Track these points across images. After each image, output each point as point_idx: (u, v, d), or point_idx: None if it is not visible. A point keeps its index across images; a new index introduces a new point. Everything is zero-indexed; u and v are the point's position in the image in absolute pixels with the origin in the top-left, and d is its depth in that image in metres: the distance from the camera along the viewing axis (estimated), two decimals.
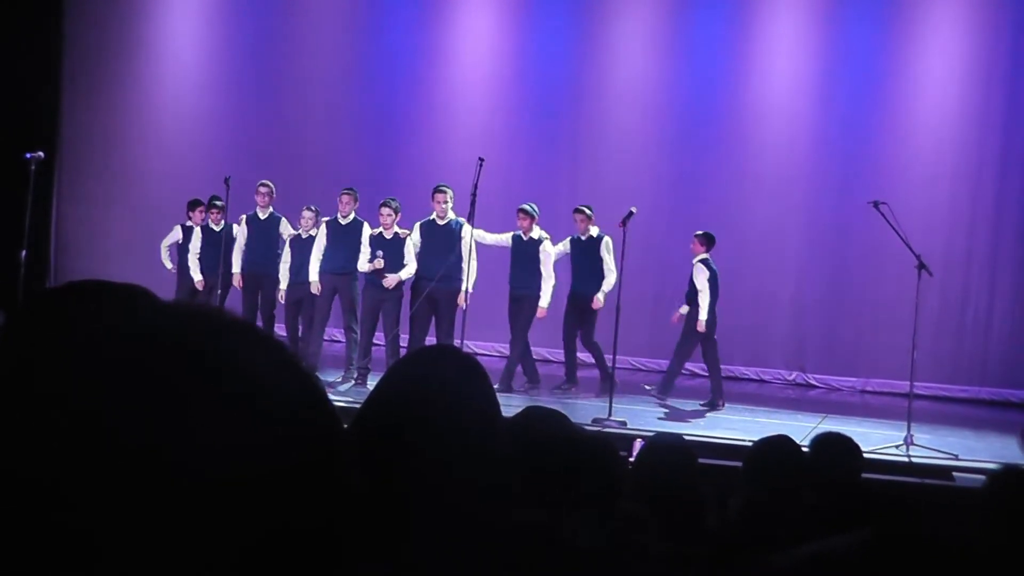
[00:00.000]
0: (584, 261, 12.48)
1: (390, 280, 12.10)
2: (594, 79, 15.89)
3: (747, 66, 15.59)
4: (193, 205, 13.74)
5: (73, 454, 0.76)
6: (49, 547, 0.75)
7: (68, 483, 0.76)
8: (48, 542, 0.75)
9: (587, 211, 12.54)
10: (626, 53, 15.86)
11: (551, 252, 12.40)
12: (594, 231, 12.57)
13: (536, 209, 12.45)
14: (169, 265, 13.86)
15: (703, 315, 12.06)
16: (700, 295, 12.14)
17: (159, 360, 0.81)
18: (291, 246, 12.73)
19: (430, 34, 16.25)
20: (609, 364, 11.54)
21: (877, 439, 10.01)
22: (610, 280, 12.37)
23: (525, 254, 12.40)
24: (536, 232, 12.42)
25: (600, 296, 12.40)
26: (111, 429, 0.77)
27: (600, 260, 12.44)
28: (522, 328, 12.39)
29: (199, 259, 13.32)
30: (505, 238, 12.54)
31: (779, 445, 4.70)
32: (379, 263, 12.17)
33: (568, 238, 12.68)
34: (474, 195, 11.43)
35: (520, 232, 12.44)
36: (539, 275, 12.33)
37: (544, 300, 12.29)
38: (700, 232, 12.54)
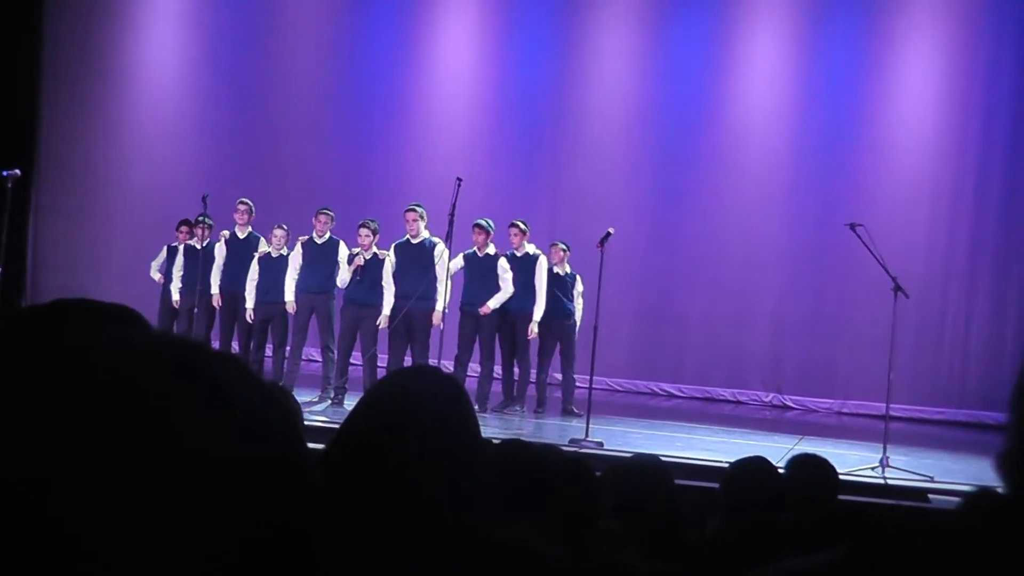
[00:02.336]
0: (517, 278, 12.31)
1: (382, 320, 12.09)
2: (574, 98, 15.94)
3: (726, 87, 15.67)
4: (181, 225, 13.57)
5: (62, 461, 0.78)
6: (36, 550, 0.77)
7: (56, 488, 0.78)
8: (36, 545, 0.77)
9: (522, 226, 12.49)
10: (606, 72, 15.92)
11: (508, 267, 12.37)
12: (530, 248, 12.51)
13: (492, 224, 12.42)
14: (157, 276, 13.66)
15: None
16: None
17: (148, 372, 0.84)
18: (259, 264, 12.65)
19: (409, 52, 16.28)
20: (584, 385, 11.50)
21: (853, 460, 10.03)
22: (539, 305, 12.30)
23: (482, 269, 12.39)
24: (491, 248, 12.41)
25: (534, 327, 12.35)
26: (101, 437, 0.79)
27: (534, 278, 12.35)
28: (490, 347, 12.37)
29: (181, 278, 13.23)
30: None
31: (755, 466, 4.71)
32: (360, 260, 12.15)
33: (505, 254, 12.48)
34: (452, 215, 11.41)
35: (476, 248, 12.42)
36: (496, 291, 12.30)
37: (494, 302, 12.24)
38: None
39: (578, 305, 12.65)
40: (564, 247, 12.65)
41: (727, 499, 4.55)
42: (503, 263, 12.31)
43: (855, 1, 15.27)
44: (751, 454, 4.97)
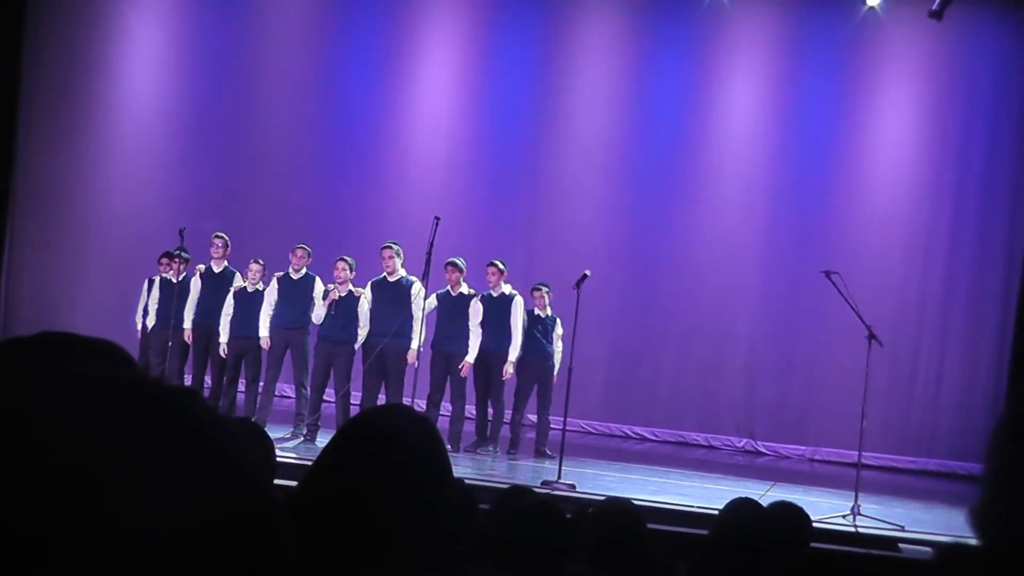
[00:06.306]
0: (493, 318, 12.34)
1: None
2: (551, 139, 15.99)
3: (703, 131, 15.75)
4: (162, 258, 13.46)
5: (45, 500, 0.78)
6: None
7: (41, 529, 0.78)
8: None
9: (500, 266, 12.49)
10: (584, 114, 15.98)
11: (478, 310, 12.38)
12: (506, 288, 12.49)
13: (464, 263, 12.44)
14: (140, 323, 13.53)
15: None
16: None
17: (129, 412, 0.84)
18: (235, 298, 12.59)
19: (388, 90, 16.30)
20: (559, 427, 11.48)
21: (825, 508, 10.02)
22: (515, 346, 12.29)
23: (455, 309, 12.39)
24: (465, 287, 12.42)
25: (509, 367, 12.35)
26: (85, 477, 0.80)
27: (509, 318, 12.34)
28: (462, 387, 12.37)
29: (156, 311, 13.13)
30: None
31: (748, 508, 4.69)
32: (335, 294, 12.13)
33: (479, 294, 12.47)
34: (429, 254, 11.40)
35: (449, 288, 12.43)
36: (468, 330, 12.29)
37: (471, 356, 12.27)
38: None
39: (557, 348, 12.64)
40: (546, 289, 12.65)
41: (716, 540, 4.53)
42: (475, 304, 12.30)
43: (832, 49, 15.38)
44: (734, 497, 4.95)
